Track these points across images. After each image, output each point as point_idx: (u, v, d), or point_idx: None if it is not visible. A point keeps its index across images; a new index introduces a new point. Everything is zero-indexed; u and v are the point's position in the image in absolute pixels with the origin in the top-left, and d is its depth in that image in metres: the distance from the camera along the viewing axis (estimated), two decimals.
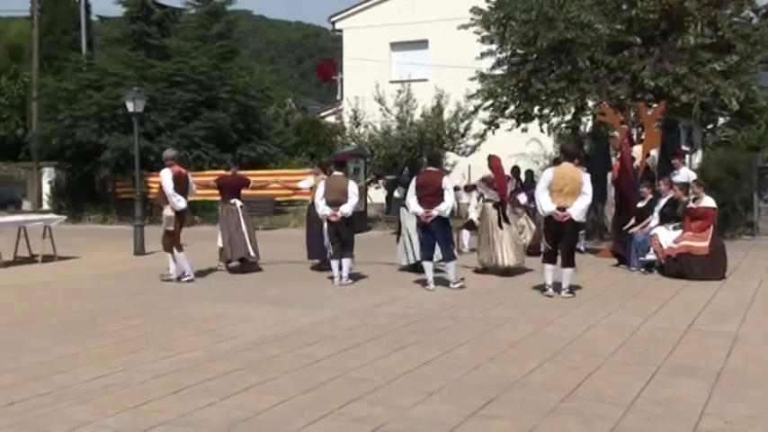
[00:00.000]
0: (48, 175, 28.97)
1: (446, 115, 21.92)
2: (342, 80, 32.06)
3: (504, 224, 11.18)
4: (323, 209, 10.63)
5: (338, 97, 34.05)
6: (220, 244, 12.11)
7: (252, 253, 11.90)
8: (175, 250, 10.91)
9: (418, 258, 10.92)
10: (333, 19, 31.27)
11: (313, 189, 12.38)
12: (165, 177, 10.87)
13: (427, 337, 7.16)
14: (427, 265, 10.08)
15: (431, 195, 9.94)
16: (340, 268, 10.59)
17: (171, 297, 9.66)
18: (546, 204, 9.26)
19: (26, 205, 28.98)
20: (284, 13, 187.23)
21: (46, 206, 27.45)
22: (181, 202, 10.87)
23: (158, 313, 8.56)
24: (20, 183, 31.45)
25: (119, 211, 23.66)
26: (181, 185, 10.95)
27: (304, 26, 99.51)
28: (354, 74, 28.71)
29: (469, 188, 13.45)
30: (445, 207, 9.99)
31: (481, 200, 14.63)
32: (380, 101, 22.14)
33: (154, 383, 5.61)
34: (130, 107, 21.32)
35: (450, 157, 21.54)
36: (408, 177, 12.00)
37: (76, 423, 4.72)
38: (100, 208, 24.33)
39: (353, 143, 22.24)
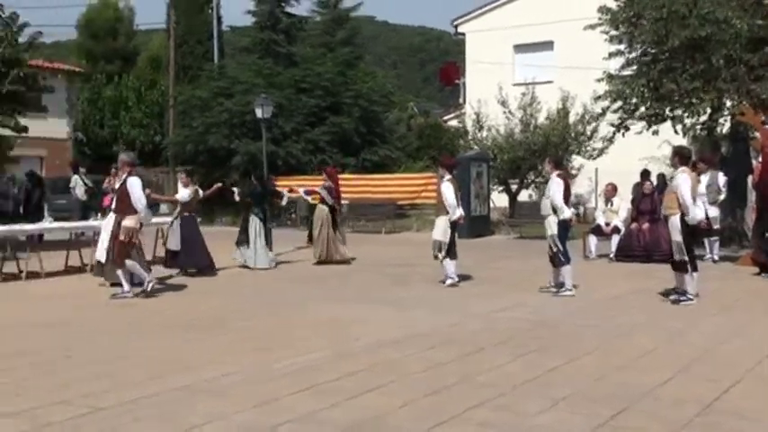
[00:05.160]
0: None
1: (572, 118, 21.42)
2: (464, 84, 31.94)
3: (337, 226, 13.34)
4: (460, 212, 10.62)
5: (461, 101, 33.95)
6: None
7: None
8: (127, 260, 9.75)
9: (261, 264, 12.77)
10: (455, 22, 31.22)
11: (193, 199, 12.48)
12: (137, 188, 9.71)
13: (551, 343, 7.01)
14: (567, 269, 9.89)
15: (567, 197, 9.90)
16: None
17: (294, 297, 9.88)
18: (699, 212, 9.01)
19: (163, 208, 30.41)
20: (407, 18, 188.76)
21: None
22: (150, 215, 10.12)
23: (282, 312, 8.77)
24: (157, 186, 33.07)
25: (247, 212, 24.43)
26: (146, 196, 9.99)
27: (426, 30, 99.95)
28: (477, 77, 28.52)
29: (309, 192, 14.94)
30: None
31: (609, 205, 14.30)
32: (504, 104, 21.88)
33: (279, 382, 5.73)
34: (259, 113, 22.12)
35: (576, 160, 21.05)
36: (258, 188, 13.28)
37: (208, 417, 4.87)
38: (230, 210, 25.25)
39: (476, 147, 22.09)
